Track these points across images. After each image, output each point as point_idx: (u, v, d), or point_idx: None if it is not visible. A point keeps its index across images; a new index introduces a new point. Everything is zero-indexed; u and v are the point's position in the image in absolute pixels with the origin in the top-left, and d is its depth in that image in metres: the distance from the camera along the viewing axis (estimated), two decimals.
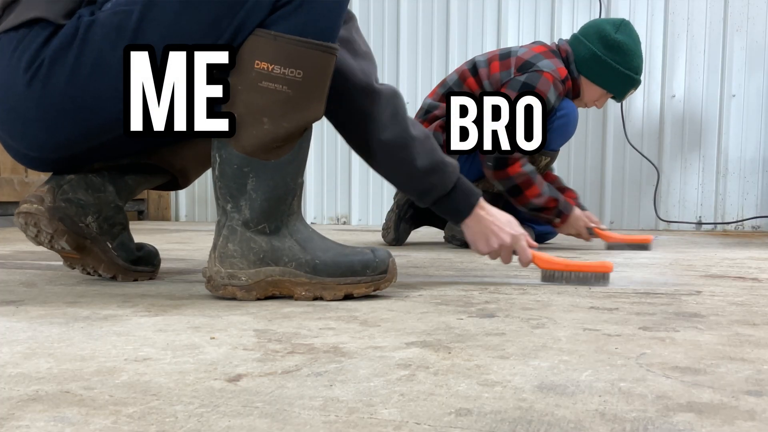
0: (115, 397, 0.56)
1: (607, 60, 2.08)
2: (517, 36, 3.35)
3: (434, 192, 1.19)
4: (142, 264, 1.30)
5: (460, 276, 1.39)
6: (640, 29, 3.22)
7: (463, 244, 2.12)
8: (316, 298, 1.08)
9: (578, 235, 2.13)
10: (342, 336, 0.80)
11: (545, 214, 2.06)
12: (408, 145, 1.17)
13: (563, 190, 2.23)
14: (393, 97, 1.19)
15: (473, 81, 2.12)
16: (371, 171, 4.06)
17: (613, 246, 2.16)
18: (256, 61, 1.02)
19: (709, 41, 3.16)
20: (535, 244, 1.28)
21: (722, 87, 3.16)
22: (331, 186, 3.73)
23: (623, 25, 2.11)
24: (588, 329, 0.84)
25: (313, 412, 0.52)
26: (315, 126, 3.76)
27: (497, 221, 1.23)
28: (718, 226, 3.19)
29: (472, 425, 0.49)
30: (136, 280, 1.28)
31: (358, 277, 1.08)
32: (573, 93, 2.14)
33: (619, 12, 3.22)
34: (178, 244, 2.20)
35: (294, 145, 1.06)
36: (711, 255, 1.91)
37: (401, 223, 2.23)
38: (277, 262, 1.07)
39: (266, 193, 1.05)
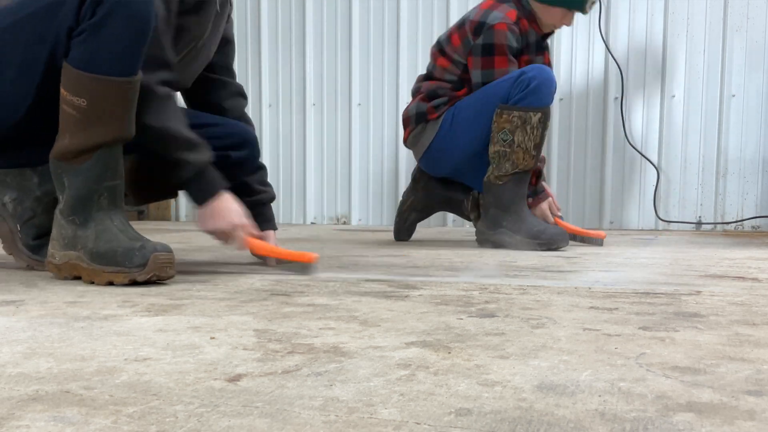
0: (115, 397, 0.56)
1: None
2: None
3: (171, 180, 1.40)
4: (41, 254, 1.42)
5: (460, 276, 1.39)
6: (640, 29, 3.23)
7: (494, 245, 2.19)
8: (91, 283, 1.23)
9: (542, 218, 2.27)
10: (342, 336, 0.80)
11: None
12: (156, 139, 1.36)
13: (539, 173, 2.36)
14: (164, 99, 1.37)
15: (444, 60, 2.25)
16: (371, 171, 4.03)
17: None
18: (62, 87, 1.23)
19: (708, 41, 3.16)
20: (257, 233, 1.49)
21: (722, 87, 3.16)
22: (331, 186, 3.74)
23: None
24: (588, 329, 0.84)
25: (313, 412, 0.52)
26: (315, 127, 3.77)
27: (224, 210, 1.41)
28: (718, 226, 3.19)
29: (472, 425, 0.49)
30: (30, 267, 1.43)
31: (118, 267, 1.21)
32: (534, 23, 2.21)
33: (619, 12, 3.22)
34: (178, 244, 2.20)
35: (92, 156, 1.24)
36: (711, 255, 1.91)
37: (404, 227, 2.52)
38: (74, 247, 1.26)
39: (74, 191, 1.25)
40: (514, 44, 2.13)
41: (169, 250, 1.23)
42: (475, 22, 2.15)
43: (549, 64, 2.32)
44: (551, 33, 2.32)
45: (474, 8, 2.22)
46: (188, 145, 1.37)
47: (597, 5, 2.43)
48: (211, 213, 1.41)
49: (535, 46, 2.23)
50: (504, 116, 2.08)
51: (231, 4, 1.62)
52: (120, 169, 1.28)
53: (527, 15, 2.18)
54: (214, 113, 1.63)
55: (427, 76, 2.31)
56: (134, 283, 1.20)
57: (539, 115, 2.07)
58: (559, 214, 2.31)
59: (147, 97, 1.32)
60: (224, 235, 1.44)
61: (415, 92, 2.33)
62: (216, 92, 1.66)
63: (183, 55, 1.47)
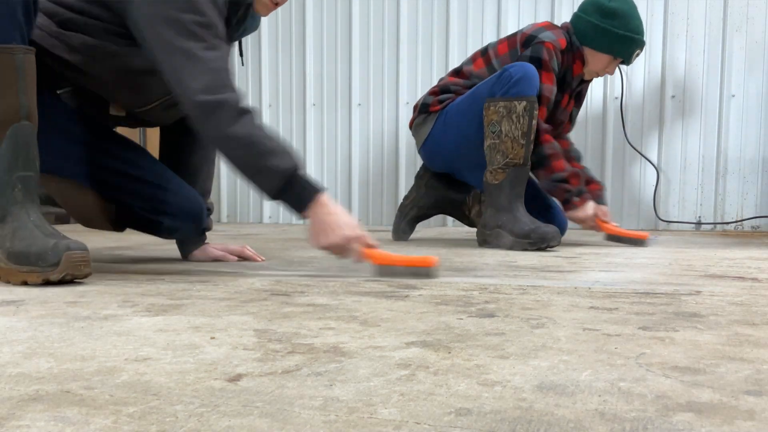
0: (116, 396, 0.56)
1: (605, 27, 2.23)
2: None
3: (263, 192, 1.36)
4: None
5: (460, 276, 1.39)
6: None
7: (491, 245, 2.20)
8: (8, 282, 1.22)
9: (584, 222, 2.27)
10: (342, 336, 0.80)
11: (567, 186, 2.22)
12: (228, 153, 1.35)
13: (589, 181, 2.40)
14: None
15: (481, 61, 2.32)
16: (371, 171, 4.01)
17: (610, 238, 2.32)
18: None
19: (708, 41, 3.16)
20: (375, 243, 1.39)
21: (721, 87, 3.16)
22: (331, 186, 3.73)
23: None
24: (588, 329, 0.84)
25: (313, 412, 0.52)
26: (315, 127, 3.75)
27: (334, 223, 1.35)
28: (718, 226, 3.19)
29: (472, 425, 0.49)
30: None
31: (31, 266, 1.19)
32: (580, 63, 2.29)
33: None
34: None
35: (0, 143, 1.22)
36: (711, 255, 1.91)
37: (404, 221, 2.51)
38: None
39: None
40: (555, 68, 2.21)
41: (83, 248, 1.21)
42: (526, 35, 2.23)
43: (565, 107, 2.37)
44: (587, 82, 2.40)
45: (530, 24, 2.31)
46: (274, 152, 1.34)
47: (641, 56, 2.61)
48: (322, 228, 1.35)
49: (562, 84, 2.29)
50: (491, 108, 2.14)
51: None
52: (33, 160, 1.25)
53: (574, 52, 2.27)
54: (187, 168, 1.70)
55: (456, 71, 2.38)
56: (48, 283, 1.20)
57: (524, 103, 2.10)
58: (605, 219, 2.29)
59: (229, 110, 1.33)
60: (340, 250, 1.38)
61: (438, 82, 2.41)
62: (198, 151, 1.73)
63: (162, 99, 1.54)
